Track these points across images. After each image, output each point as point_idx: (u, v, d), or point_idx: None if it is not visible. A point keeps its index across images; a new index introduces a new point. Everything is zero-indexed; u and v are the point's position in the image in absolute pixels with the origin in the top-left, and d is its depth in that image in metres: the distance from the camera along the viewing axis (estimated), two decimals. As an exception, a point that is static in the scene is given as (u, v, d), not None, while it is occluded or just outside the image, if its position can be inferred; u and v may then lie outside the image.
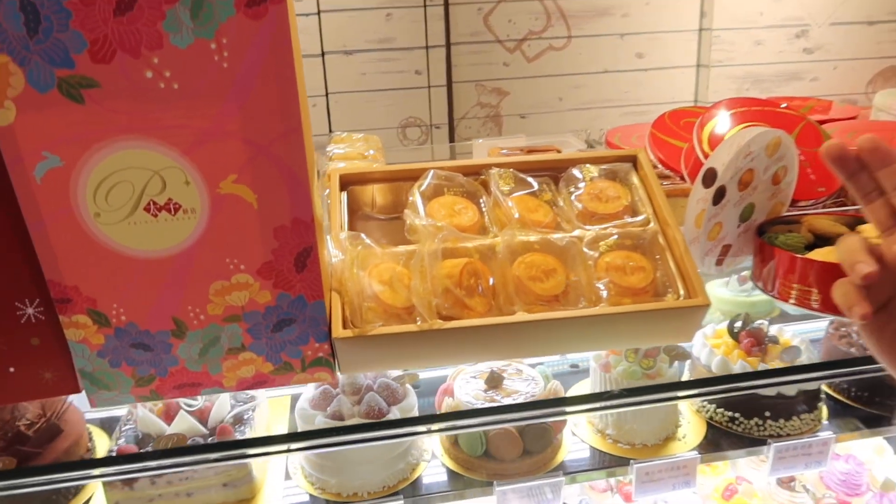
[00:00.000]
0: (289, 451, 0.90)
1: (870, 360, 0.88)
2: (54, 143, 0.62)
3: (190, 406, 1.22)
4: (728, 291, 1.73)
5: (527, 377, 1.27)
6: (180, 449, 0.86)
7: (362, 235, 0.81)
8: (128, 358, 0.74)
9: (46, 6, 0.57)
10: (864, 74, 3.05)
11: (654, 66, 2.97)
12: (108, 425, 1.34)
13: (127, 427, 1.20)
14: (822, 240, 0.97)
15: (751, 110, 1.18)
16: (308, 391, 1.23)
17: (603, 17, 2.87)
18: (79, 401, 1.31)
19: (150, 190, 0.66)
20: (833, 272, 0.89)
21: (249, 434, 1.19)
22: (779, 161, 1.01)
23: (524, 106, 2.94)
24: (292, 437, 0.88)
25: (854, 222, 1.03)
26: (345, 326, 0.76)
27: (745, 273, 1.61)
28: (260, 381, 0.78)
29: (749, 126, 1.05)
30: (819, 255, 0.92)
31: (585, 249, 0.85)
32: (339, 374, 0.80)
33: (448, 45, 2.77)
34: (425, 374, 1.35)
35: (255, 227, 0.69)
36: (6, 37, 0.58)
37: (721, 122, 1.18)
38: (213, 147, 0.65)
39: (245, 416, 1.22)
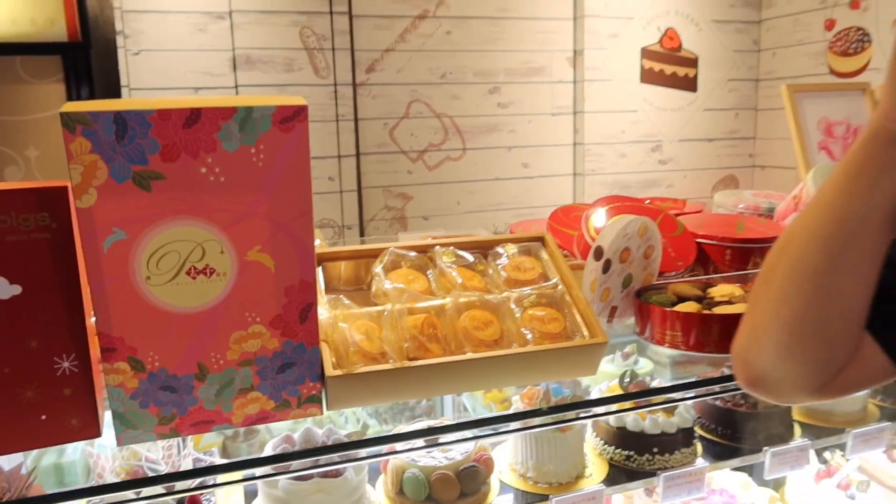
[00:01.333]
0: (254, 477, 1.05)
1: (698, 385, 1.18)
2: (123, 221, 0.81)
3: (155, 472, 1.32)
4: (614, 366, 2.03)
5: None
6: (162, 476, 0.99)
7: (342, 297, 1.03)
8: (156, 399, 0.90)
9: (134, 120, 0.78)
10: (708, 181, 3.63)
11: (538, 174, 3.40)
12: None
13: (95, 498, 1.27)
14: (682, 299, 1.28)
15: (624, 205, 1.51)
16: (267, 452, 1.37)
17: (493, 132, 3.29)
18: (42, 479, 1.37)
19: (193, 257, 0.85)
20: (692, 321, 1.19)
21: (214, 500, 1.31)
22: (647, 241, 1.33)
23: (427, 209, 3.26)
24: (265, 460, 1.03)
25: (705, 287, 1.35)
26: (334, 368, 0.95)
27: (628, 349, 1.92)
28: (262, 417, 0.95)
29: (625, 215, 1.37)
30: (682, 308, 1.22)
31: (513, 306, 1.10)
32: (325, 409, 0.98)
33: (358, 154, 3.07)
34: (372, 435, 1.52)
35: (272, 286, 0.89)
36: (99, 141, 0.78)
37: (602, 214, 1.50)
38: (245, 225, 0.85)
39: (209, 482, 1.33)
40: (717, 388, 1.17)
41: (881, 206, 0.68)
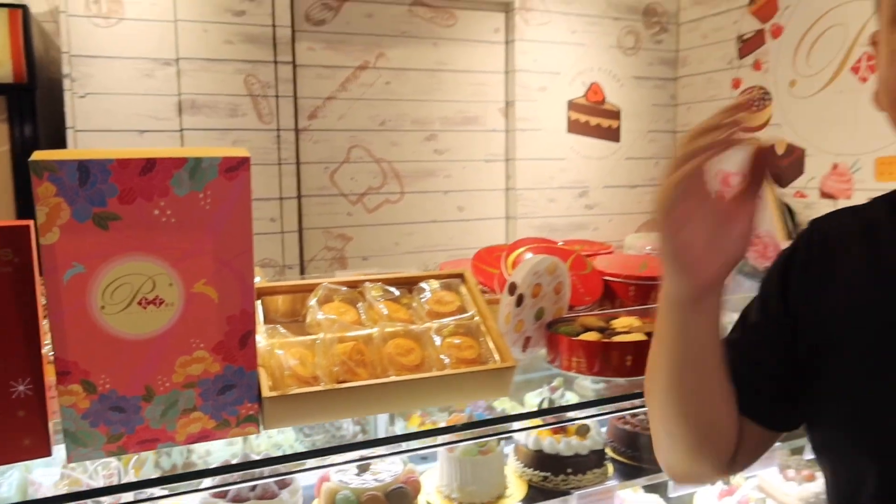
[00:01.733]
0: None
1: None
2: (81, 257, 0.91)
3: (96, 500, 1.38)
4: (540, 399, 2.18)
5: (389, 463, 1.59)
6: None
7: (279, 327, 1.14)
8: (105, 419, 0.98)
9: (96, 167, 0.89)
10: (632, 225, 3.88)
11: (473, 217, 3.58)
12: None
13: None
14: (588, 330, 1.44)
15: (539, 246, 1.68)
16: (206, 481, 1.44)
17: (429, 177, 3.46)
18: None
19: (144, 289, 0.95)
20: (593, 348, 1.35)
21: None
22: (557, 278, 1.49)
23: (366, 250, 3.38)
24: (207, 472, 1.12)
25: (610, 319, 1.52)
26: (270, 390, 1.06)
27: (555, 383, 2.07)
28: (204, 436, 1.05)
29: (537, 255, 1.53)
30: (586, 337, 1.38)
31: (433, 335, 1.23)
32: (262, 429, 1.08)
33: (299, 197, 3.19)
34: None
35: (215, 315, 1.00)
36: (64, 186, 0.88)
37: (519, 254, 1.66)
38: (193, 261, 0.97)
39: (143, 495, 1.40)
40: (612, 407, 1.32)
41: (696, 347, 0.79)
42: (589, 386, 2.05)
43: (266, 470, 1.12)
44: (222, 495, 1.40)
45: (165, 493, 1.11)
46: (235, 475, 1.11)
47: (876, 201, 0.85)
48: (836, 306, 0.81)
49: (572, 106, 3.66)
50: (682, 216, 0.71)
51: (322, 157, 3.24)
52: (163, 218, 0.94)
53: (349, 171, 3.30)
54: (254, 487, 1.41)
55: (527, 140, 3.56)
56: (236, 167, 0.96)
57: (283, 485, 1.44)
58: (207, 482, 1.11)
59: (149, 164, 0.92)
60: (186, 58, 2.87)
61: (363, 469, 1.54)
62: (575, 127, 3.67)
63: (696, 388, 0.82)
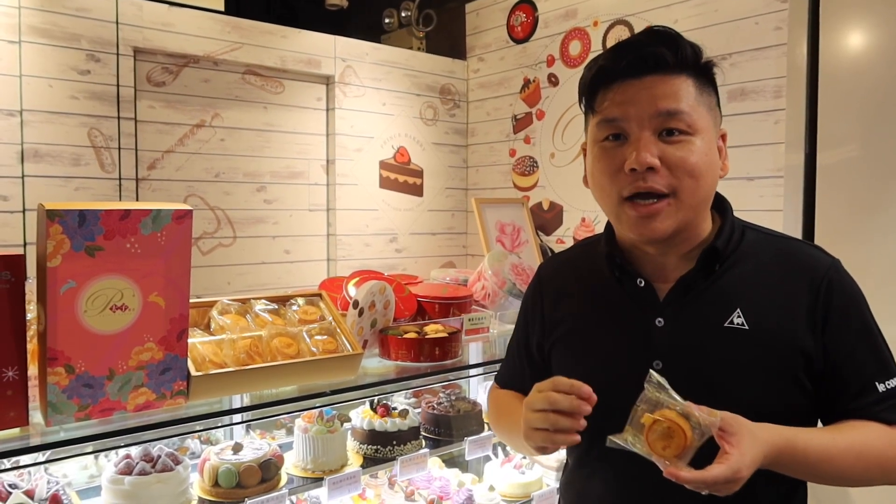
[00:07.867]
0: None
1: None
2: (74, 275, 1.32)
3: (18, 487, 1.67)
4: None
5: (259, 444, 2.03)
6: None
7: (198, 330, 1.59)
8: (78, 393, 1.37)
9: (90, 215, 1.31)
10: (434, 265, 4.58)
11: (298, 259, 4.05)
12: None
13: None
14: (409, 332, 2.03)
15: (370, 275, 2.25)
16: (113, 463, 1.79)
17: (259, 223, 3.89)
18: None
19: (115, 299, 1.37)
20: (411, 343, 1.94)
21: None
22: (385, 298, 2.07)
23: (200, 288, 3.70)
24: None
25: (422, 326, 2.12)
26: (195, 371, 1.51)
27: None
28: (147, 406, 1.46)
29: (371, 280, 2.10)
30: (408, 336, 1.97)
31: (304, 334, 1.74)
32: (188, 401, 1.52)
33: (139, 240, 3.45)
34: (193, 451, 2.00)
35: (162, 317, 1.44)
36: (67, 226, 1.29)
37: (356, 282, 2.22)
38: (150, 279, 1.41)
39: (61, 493, 1.72)
40: (412, 382, 1.91)
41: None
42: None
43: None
44: (128, 471, 1.76)
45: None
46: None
47: (584, 243, 1.47)
48: (564, 315, 1.39)
49: (383, 165, 4.32)
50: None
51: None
52: (132, 249, 1.38)
53: (185, 217, 3.62)
54: (154, 464, 1.79)
55: (345, 193, 4.14)
56: (184, 216, 1.43)
57: (176, 462, 1.83)
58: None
59: (126, 213, 1.36)
60: (30, 110, 3.09)
61: (237, 449, 1.97)
62: (386, 183, 4.33)
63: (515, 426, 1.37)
